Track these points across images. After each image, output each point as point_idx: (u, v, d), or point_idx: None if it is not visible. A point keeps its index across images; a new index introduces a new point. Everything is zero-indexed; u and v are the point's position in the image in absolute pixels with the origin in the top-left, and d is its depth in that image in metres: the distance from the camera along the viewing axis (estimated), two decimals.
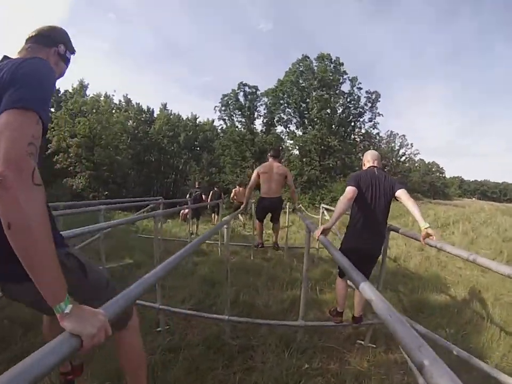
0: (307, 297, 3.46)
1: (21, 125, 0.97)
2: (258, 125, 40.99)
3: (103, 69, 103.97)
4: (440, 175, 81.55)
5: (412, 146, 56.16)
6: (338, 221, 3.22)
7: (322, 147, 33.42)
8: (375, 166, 3.35)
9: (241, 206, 6.25)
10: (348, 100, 36.75)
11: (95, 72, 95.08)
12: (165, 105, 48.54)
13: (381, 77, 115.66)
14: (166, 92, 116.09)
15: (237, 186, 13.38)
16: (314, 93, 34.07)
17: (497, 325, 4.17)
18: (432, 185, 73.95)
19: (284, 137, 39.39)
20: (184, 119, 48.33)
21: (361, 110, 37.36)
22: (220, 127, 44.45)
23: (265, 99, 38.68)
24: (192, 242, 2.12)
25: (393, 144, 55.59)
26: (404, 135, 55.62)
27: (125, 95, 46.00)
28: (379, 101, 37.33)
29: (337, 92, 35.35)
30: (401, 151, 55.96)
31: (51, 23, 1.58)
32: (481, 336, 3.89)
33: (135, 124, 42.80)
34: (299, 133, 36.95)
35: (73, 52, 1.66)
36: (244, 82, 38.89)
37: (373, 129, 39.19)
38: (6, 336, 3.04)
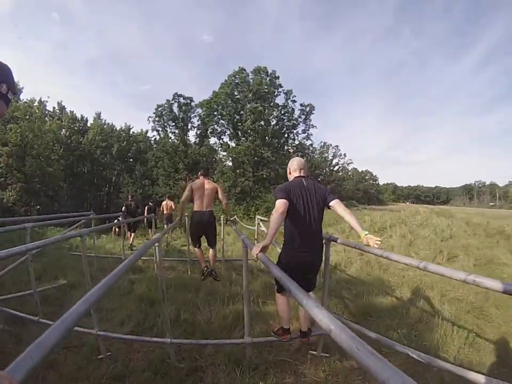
0: (251, 312, 3.31)
1: None
2: (192, 136, 40.94)
3: (39, 70, 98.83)
4: (374, 182, 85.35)
5: (345, 156, 58.43)
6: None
7: (255, 158, 33.72)
8: (302, 176, 3.22)
9: (176, 219, 6.34)
10: (282, 112, 37.48)
11: (31, 74, 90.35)
12: (99, 115, 47.07)
13: (319, 91, 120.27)
14: (101, 100, 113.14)
15: (166, 200, 13.59)
16: (248, 105, 34.36)
17: (449, 320, 4.29)
18: (366, 192, 77.21)
19: (217, 148, 39.58)
20: (118, 129, 47.05)
21: (295, 122, 38.28)
22: (153, 138, 43.87)
23: (200, 110, 38.50)
24: (124, 262, 1.90)
25: (326, 155, 57.34)
26: (337, 146, 57.86)
27: (59, 101, 44.02)
28: (313, 113, 38.55)
29: (271, 104, 35.91)
30: (334, 161, 57.92)
31: None
32: (434, 333, 3.96)
33: (68, 133, 40.94)
34: (232, 144, 37.07)
35: (15, 92, 1.43)
36: (179, 93, 38.65)
37: (307, 140, 40.32)
38: None
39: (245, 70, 36.01)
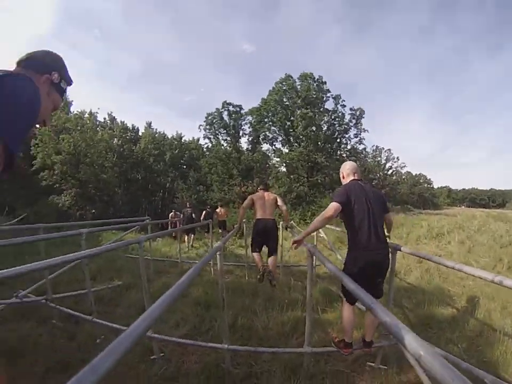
0: (312, 321, 3.19)
1: None
2: (244, 143, 41.00)
3: (87, 86, 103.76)
4: (428, 185, 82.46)
5: (398, 159, 56.68)
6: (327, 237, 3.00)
7: (309, 164, 33.42)
8: (357, 179, 3.24)
9: (235, 226, 6.55)
10: (333, 117, 36.87)
11: (79, 89, 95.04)
12: (149, 124, 48.44)
13: (364, 94, 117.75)
14: (151, 110, 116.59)
15: (219, 207, 15.36)
16: (298, 111, 34.06)
17: (510, 336, 4.03)
18: (421, 196, 74.68)
19: (270, 154, 39.37)
20: (169, 137, 48.25)
21: (346, 126, 37.51)
22: (205, 146, 44.44)
23: (250, 118, 38.69)
24: (188, 272, 1.90)
25: (379, 159, 56.09)
26: (389, 149, 56.18)
27: (110, 113, 45.77)
28: (363, 117, 37.63)
29: (321, 109, 35.48)
30: (387, 165, 56.46)
31: (45, 48, 1.39)
32: (494, 349, 3.74)
33: (120, 142, 42.43)
34: (285, 150, 36.85)
35: (69, 83, 1.46)
36: (227, 102, 39.02)
37: (359, 144, 39.44)
38: None
39: (291, 77, 35.82)
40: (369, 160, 53.10)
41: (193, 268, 2.01)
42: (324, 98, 35.84)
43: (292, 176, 33.90)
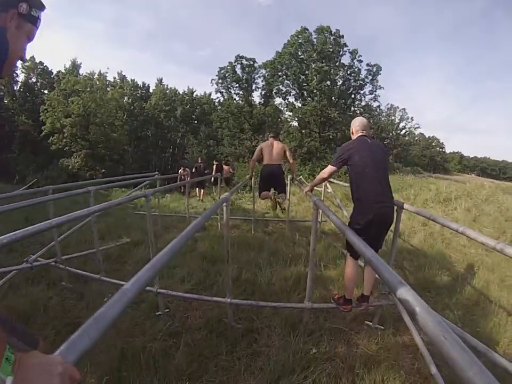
0: (313, 276, 3.29)
1: None
2: (256, 97, 40.41)
3: (96, 47, 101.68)
4: (440, 149, 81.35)
5: (412, 120, 55.83)
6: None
7: (322, 119, 33.01)
8: (364, 135, 3.32)
9: (247, 177, 6.93)
10: (348, 72, 35.99)
11: (88, 51, 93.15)
12: (160, 80, 47.94)
13: (381, 50, 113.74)
14: (162, 67, 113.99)
15: (223, 164, 15.25)
16: (313, 65, 33.33)
17: (505, 309, 4.09)
18: (432, 160, 73.91)
19: (282, 108, 38.85)
20: (181, 93, 47.72)
21: (361, 82, 36.66)
22: (217, 100, 43.73)
23: (263, 71, 37.88)
24: (193, 223, 1.88)
25: (393, 118, 55.19)
26: (404, 109, 55.21)
27: (120, 72, 45.34)
28: (380, 74, 36.62)
29: (337, 64, 34.60)
30: (401, 125, 55.61)
31: None
32: (488, 320, 3.81)
33: (130, 100, 42.36)
34: (298, 104, 36.38)
35: (41, 7, 1.29)
36: (241, 55, 38.12)
37: (374, 101, 38.71)
38: None
39: (307, 30, 34.71)
40: (382, 119, 52.36)
41: (198, 219, 2.03)
42: (340, 53, 34.96)
43: (303, 131, 33.69)
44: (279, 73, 36.16)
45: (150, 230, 3.42)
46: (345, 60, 35.79)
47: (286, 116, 39.06)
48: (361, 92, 37.52)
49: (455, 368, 0.72)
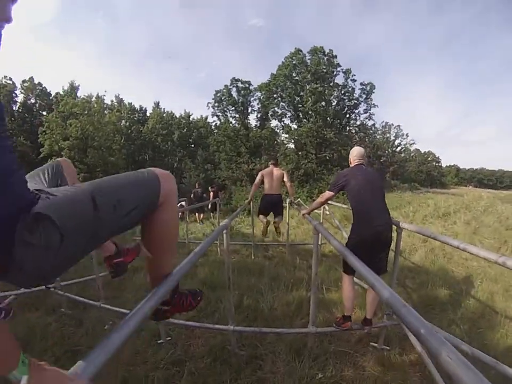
0: (316, 300, 3.26)
1: None
2: (253, 119, 40.49)
3: (94, 69, 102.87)
4: (437, 164, 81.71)
5: (407, 136, 55.97)
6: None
7: (318, 140, 33.11)
8: (361, 163, 3.60)
9: (246, 201, 7.21)
10: (342, 92, 36.27)
11: (86, 72, 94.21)
12: (157, 104, 48.35)
13: (373, 68, 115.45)
14: (158, 90, 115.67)
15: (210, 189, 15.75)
16: (308, 86, 33.63)
17: (511, 319, 4.07)
18: (429, 175, 74.15)
19: (278, 131, 38.97)
20: (178, 116, 48.11)
21: (356, 101, 36.94)
22: (213, 124, 44.11)
23: (259, 94, 38.10)
24: (195, 250, 1.91)
25: (388, 135, 55.46)
26: (399, 125, 55.39)
27: (117, 95, 45.83)
28: (373, 92, 36.99)
29: (331, 84, 34.87)
30: (396, 141, 55.84)
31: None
32: (495, 331, 3.81)
33: (128, 123, 42.66)
34: (294, 126, 36.52)
35: None
36: (236, 78, 38.40)
37: (368, 120, 38.94)
38: None
39: (301, 51, 35.09)
40: (378, 137, 52.62)
41: (198, 247, 2.03)
42: (334, 73, 35.22)
43: (300, 153, 33.73)
44: (274, 96, 36.42)
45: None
46: (339, 79, 36.12)
47: (282, 138, 39.26)
48: (356, 111, 37.79)
49: None
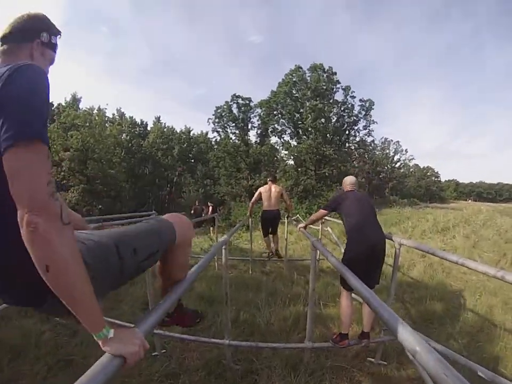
0: (313, 316, 3.24)
1: (37, 164, 0.89)
2: (252, 136, 40.82)
3: (96, 82, 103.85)
4: (436, 179, 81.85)
5: (406, 152, 56.47)
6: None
7: (317, 156, 33.23)
8: (353, 190, 3.91)
9: (246, 216, 7.76)
10: (342, 108, 36.64)
11: (88, 85, 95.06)
12: (158, 118, 48.72)
13: (372, 84, 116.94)
14: (159, 105, 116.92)
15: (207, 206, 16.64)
16: (308, 103, 33.91)
17: (510, 332, 4.05)
18: (428, 190, 74.21)
19: (278, 147, 39.23)
20: (178, 132, 48.46)
21: (355, 118, 37.26)
22: (214, 139, 44.21)
23: (259, 110, 38.42)
24: (193, 268, 1.94)
25: (387, 151, 55.74)
26: (398, 141, 55.97)
27: (118, 108, 46.22)
28: (373, 109, 37.32)
29: (331, 101, 35.24)
30: (396, 157, 56.15)
31: (22, 13, 1.28)
32: (494, 345, 3.77)
33: (128, 137, 42.90)
34: (294, 143, 36.80)
35: (58, 33, 1.41)
36: (237, 94, 38.77)
37: (368, 136, 39.23)
38: None
39: (301, 68, 35.56)
40: (377, 153, 52.87)
41: (199, 263, 2.06)
42: (334, 90, 35.68)
43: (299, 169, 33.85)
44: (274, 112, 36.66)
45: (148, 271, 3.37)
46: (339, 96, 36.56)
47: (281, 155, 39.43)
48: (355, 127, 38.12)
49: None
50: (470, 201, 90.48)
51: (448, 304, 5.07)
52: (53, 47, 1.39)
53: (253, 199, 7.20)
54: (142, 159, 42.16)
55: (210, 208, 15.20)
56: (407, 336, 1.01)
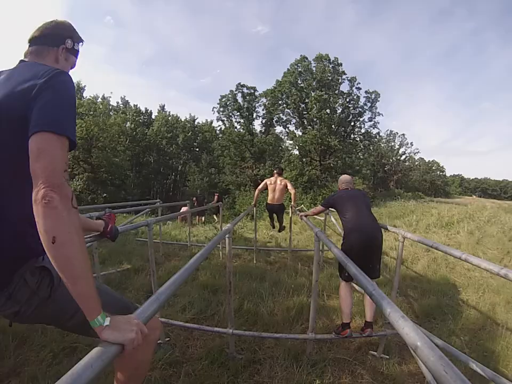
0: (316, 307, 3.25)
1: (60, 153, 1.05)
2: (257, 125, 40.59)
3: (101, 72, 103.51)
4: (441, 173, 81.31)
5: (412, 145, 56.03)
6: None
7: (322, 147, 33.05)
8: (348, 188, 4.18)
9: (251, 205, 7.90)
10: (347, 100, 36.14)
11: (93, 75, 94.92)
12: (163, 107, 48.66)
13: (378, 77, 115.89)
14: (164, 94, 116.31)
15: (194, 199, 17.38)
16: (313, 93, 33.52)
17: None
18: (433, 184, 73.74)
19: (283, 137, 38.97)
20: (183, 120, 48.27)
21: (360, 109, 36.77)
22: (218, 128, 44.13)
23: (264, 100, 37.97)
24: (196, 256, 1.92)
25: (393, 144, 55.41)
26: (403, 134, 55.37)
27: (123, 96, 46.10)
28: (378, 101, 36.82)
29: (336, 92, 34.80)
30: (401, 150, 55.77)
31: (52, 19, 1.50)
32: (496, 343, 3.75)
33: (133, 125, 42.82)
34: (298, 133, 36.39)
35: (81, 41, 1.61)
36: (241, 83, 38.55)
37: (373, 128, 38.75)
38: None
39: (307, 58, 35.08)
40: (382, 145, 52.55)
41: (201, 251, 2.06)
42: (339, 81, 35.12)
43: (304, 160, 33.69)
44: (280, 102, 36.29)
45: (152, 257, 3.38)
46: (344, 87, 36.05)
47: (286, 145, 39.22)
48: (361, 119, 37.59)
49: None
50: (474, 197, 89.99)
51: (451, 300, 5.07)
52: (75, 53, 1.57)
53: (259, 187, 7.52)
54: (146, 148, 42.19)
55: (216, 196, 15.85)
56: (409, 331, 1.01)
